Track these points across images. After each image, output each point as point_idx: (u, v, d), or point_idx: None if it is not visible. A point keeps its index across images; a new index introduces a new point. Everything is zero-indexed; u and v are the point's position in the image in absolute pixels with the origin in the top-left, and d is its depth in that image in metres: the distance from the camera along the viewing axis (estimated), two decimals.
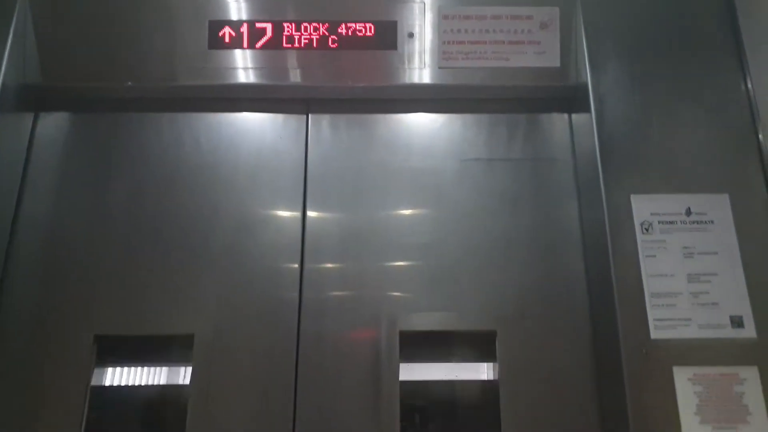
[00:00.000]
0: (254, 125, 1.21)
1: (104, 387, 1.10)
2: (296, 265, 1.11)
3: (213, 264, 1.11)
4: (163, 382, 1.19)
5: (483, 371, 1.13)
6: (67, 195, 1.16)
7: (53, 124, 1.20)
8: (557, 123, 1.22)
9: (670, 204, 1.09)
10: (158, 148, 1.18)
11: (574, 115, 1.21)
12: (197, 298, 1.09)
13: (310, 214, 1.15)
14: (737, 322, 1.03)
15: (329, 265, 1.12)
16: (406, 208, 1.16)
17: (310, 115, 1.21)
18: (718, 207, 1.09)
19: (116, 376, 1.16)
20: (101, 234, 1.13)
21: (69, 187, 1.16)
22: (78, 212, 1.15)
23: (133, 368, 1.18)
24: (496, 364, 1.07)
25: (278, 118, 1.21)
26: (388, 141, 1.20)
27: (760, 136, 1.11)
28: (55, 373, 1.05)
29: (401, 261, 1.13)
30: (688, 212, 1.09)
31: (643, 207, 1.09)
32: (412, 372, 1.08)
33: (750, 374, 0.99)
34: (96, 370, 1.07)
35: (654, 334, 1.01)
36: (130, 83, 1.16)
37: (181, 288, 1.10)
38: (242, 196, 1.15)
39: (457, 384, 1.12)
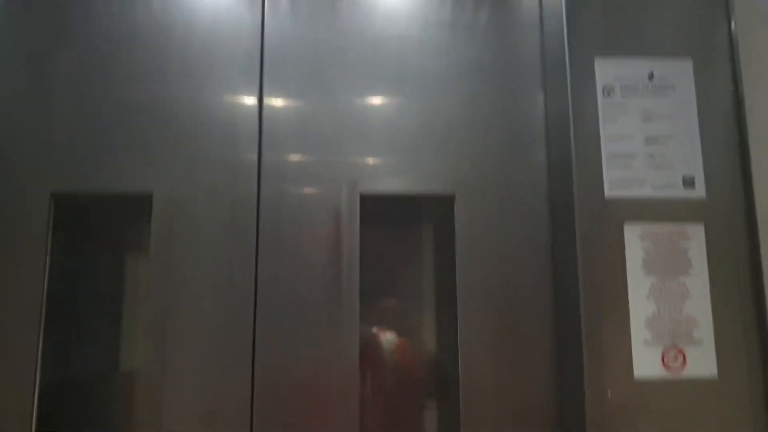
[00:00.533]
0: None
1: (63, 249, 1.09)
2: (255, 117, 1.09)
3: (168, 123, 1.08)
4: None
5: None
6: (13, 65, 1.10)
7: None
8: None
9: (634, 68, 1.08)
10: (108, 15, 1.12)
11: None
12: (156, 158, 1.07)
13: (268, 92, 1.11)
14: (689, 182, 1.06)
15: (290, 118, 1.10)
16: (368, 76, 1.13)
17: None
18: (680, 72, 1.09)
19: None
20: (54, 94, 1.09)
21: (14, 55, 1.10)
22: (26, 82, 1.09)
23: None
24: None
25: None
26: (349, 8, 1.14)
27: (729, 3, 1.10)
28: (11, 235, 1.04)
29: (363, 127, 1.11)
30: (651, 77, 1.09)
31: (606, 71, 1.08)
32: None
33: (696, 231, 1.03)
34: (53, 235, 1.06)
35: (608, 194, 1.04)
36: None
37: (139, 147, 1.08)
38: (196, 67, 1.11)
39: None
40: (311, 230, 1.07)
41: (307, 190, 1.09)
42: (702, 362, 0.96)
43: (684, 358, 0.96)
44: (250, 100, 1.11)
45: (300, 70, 1.12)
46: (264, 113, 1.10)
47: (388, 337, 1.12)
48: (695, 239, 1.03)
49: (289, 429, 1.01)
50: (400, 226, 1.19)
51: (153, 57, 1.11)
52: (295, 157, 1.10)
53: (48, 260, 1.04)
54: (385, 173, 1.11)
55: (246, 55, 1.12)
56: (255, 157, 1.09)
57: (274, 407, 1.02)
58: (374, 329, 1.11)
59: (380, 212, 1.12)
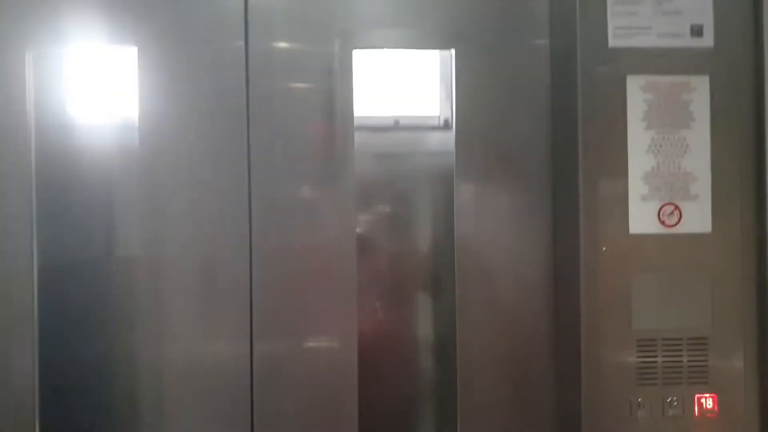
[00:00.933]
0: None
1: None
2: None
3: None
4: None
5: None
6: None
7: None
8: None
9: None
10: None
11: None
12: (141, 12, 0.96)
13: None
14: (697, 30, 0.97)
15: None
16: None
17: None
18: None
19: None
20: None
21: None
22: None
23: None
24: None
25: None
26: None
27: None
28: None
29: None
30: None
31: None
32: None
33: (700, 83, 0.96)
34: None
35: (612, 42, 0.95)
36: None
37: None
38: None
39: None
40: (303, 87, 0.99)
41: (299, 43, 0.99)
42: (697, 217, 0.93)
43: (680, 213, 0.93)
44: None
45: None
46: None
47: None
48: (699, 91, 0.96)
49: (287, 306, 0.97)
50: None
51: None
52: (284, 6, 0.98)
53: (33, 132, 0.96)
54: (379, 25, 1.01)
55: None
56: (242, 5, 0.97)
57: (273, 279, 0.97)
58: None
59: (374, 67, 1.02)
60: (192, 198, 0.98)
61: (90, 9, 0.98)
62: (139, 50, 0.97)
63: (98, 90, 1.01)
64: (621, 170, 0.92)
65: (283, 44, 1.00)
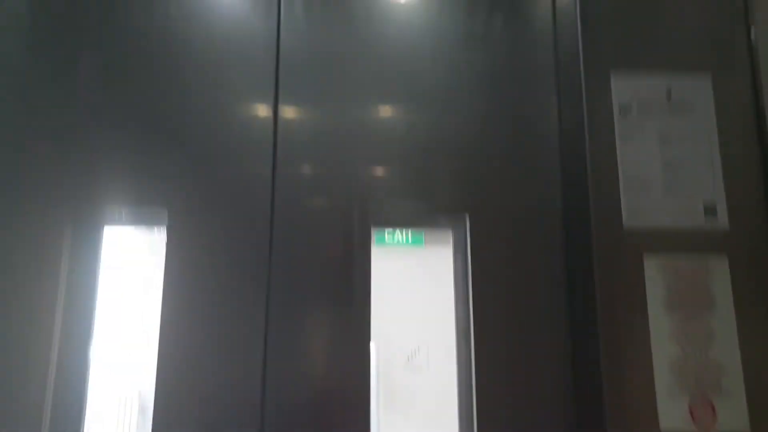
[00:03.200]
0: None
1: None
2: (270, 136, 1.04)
3: (185, 144, 1.04)
4: None
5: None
6: (35, 72, 1.05)
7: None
8: (540, 1, 1.11)
9: (651, 86, 0.99)
10: (129, 21, 1.07)
11: None
12: (169, 176, 1.03)
13: (283, 104, 1.06)
14: (710, 210, 0.97)
15: (304, 130, 1.05)
16: (382, 88, 1.07)
17: None
18: (699, 90, 1.00)
19: None
20: (71, 111, 1.04)
21: (36, 62, 1.05)
22: (46, 89, 1.04)
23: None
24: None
25: None
26: (364, 19, 1.09)
27: (749, 14, 1.03)
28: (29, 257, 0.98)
29: (376, 141, 1.05)
30: (669, 96, 1.00)
31: (622, 87, 0.99)
32: None
33: (719, 263, 0.94)
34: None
35: (627, 222, 0.94)
36: None
37: (152, 165, 1.03)
38: (214, 74, 1.06)
39: None
40: (323, 246, 1.02)
41: (320, 203, 1.03)
42: (733, 416, 0.86)
43: (714, 410, 0.86)
44: (265, 113, 1.06)
45: (314, 82, 1.07)
46: (279, 125, 1.05)
47: None
48: (718, 273, 0.93)
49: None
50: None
51: (169, 72, 1.06)
52: (308, 170, 1.05)
53: (65, 287, 0.99)
54: (397, 191, 1.04)
55: (261, 68, 1.07)
56: (270, 170, 1.04)
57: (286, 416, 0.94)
58: None
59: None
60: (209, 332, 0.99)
61: (124, 176, 1.05)
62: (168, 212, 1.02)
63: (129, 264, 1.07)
64: (645, 360, 0.87)
65: (306, 220, 1.03)
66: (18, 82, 1.06)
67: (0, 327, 0.97)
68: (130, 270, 1.07)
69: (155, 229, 1.06)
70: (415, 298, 2.85)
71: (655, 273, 0.92)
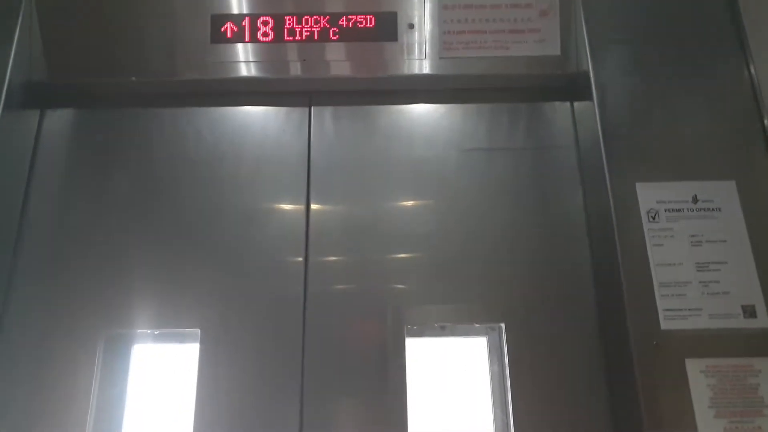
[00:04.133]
0: (257, 119, 1.21)
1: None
2: (301, 259, 1.10)
3: (217, 260, 1.11)
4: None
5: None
6: (72, 193, 1.16)
7: (58, 120, 1.21)
8: (559, 111, 1.21)
9: (676, 191, 1.07)
10: (162, 143, 1.19)
11: (576, 103, 1.20)
12: (202, 294, 1.09)
13: (314, 207, 1.14)
14: (749, 311, 1.00)
15: (333, 258, 1.11)
16: (409, 199, 1.16)
17: (312, 108, 1.21)
18: (724, 194, 1.07)
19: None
20: (106, 231, 1.13)
21: (73, 184, 1.17)
22: (83, 210, 1.15)
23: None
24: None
25: (281, 111, 1.21)
26: (390, 132, 1.20)
27: (765, 121, 1.09)
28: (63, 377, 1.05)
29: (405, 253, 1.12)
30: (695, 200, 1.07)
31: (648, 195, 1.07)
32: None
33: (764, 365, 0.95)
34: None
35: (664, 325, 0.98)
36: (134, 78, 1.17)
37: (185, 284, 1.09)
38: (246, 190, 1.15)
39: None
40: (357, 361, 1.05)
41: (352, 319, 1.08)
42: None
43: None
44: (298, 226, 1.13)
45: (344, 191, 1.15)
46: (310, 248, 1.12)
47: None
48: (764, 374, 0.95)
49: None
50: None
51: (204, 188, 1.16)
52: (340, 287, 1.10)
53: (95, 401, 1.04)
54: (430, 298, 1.09)
55: (294, 178, 1.16)
56: (302, 289, 1.09)
57: None
58: None
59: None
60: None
61: (157, 297, 1.09)
62: (202, 331, 1.07)
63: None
64: None
65: (338, 332, 1.08)
66: (54, 205, 1.14)
67: None
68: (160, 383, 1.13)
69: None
70: (447, 388, 2.77)
71: (698, 377, 0.95)
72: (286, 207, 1.15)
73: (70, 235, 1.13)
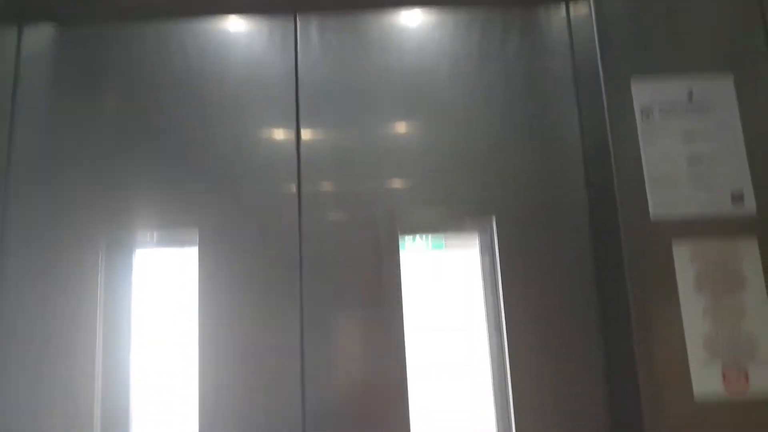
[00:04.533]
0: (242, 31, 1.20)
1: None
2: (293, 151, 1.14)
3: (210, 159, 1.14)
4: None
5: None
6: (60, 109, 1.17)
7: (38, 38, 1.20)
8: (554, 15, 1.20)
9: (672, 89, 1.08)
10: (146, 60, 1.19)
11: (571, 4, 1.19)
12: (199, 195, 1.12)
13: (304, 128, 1.16)
14: (738, 197, 1.04)
15: (326, 150, 1.14)
16: (399, 111, 1.17)
17: (298, 17, 1.19)
18: (721, 89, 1.08)
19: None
20: (99, 140, 1.15)
21: (60, 100, 1.17)
22: (72, 125, 1.16)
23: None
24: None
25: (265, 23, 1.19)
26: (380, 42, 1.19)
27: (765, 13, 1.09)
28: (69, 285, 1.10)
29: (398, 157, 1.15)
30: (690, 97, 1.09)
31: (643, 92, 1.09)
32: None
33: (749, 246, 1.01)
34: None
35: (654, 213, 1.03)
36: None
37: (180, 188, 1.13)
38: (234, 105, 1.16)
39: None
40: (352, 260, 1.10)
41: (347, 214, 1.12)
42: (766, 380, 0.94)
43: (746, 377, 0.94)
44: (288, 137, 1.15)
45: (334, 106, 1.16)
46: (301, 146, 1.15)
47: None
48: (748, 255, 1.01)
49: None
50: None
51: (191, 104, 1.17)
52: (333, 185, 1.14)
53: (103, 307, 1.09)
54: (421, 199, 1.14)
55: (281, 97, 1.17)
56: (295, 186, 1.13)
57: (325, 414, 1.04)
58: None
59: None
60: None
61: (154, 200, 1.13)
62: (199, 231, 1.10)
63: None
64: (678, 336, 0.96)
65: (334, 231, 1.12)
66: (43, 122, 1.15)
67: (45, 344, 1.06)
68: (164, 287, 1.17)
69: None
70: (438, 300, 2.89)
71: (684, 258, 1.01)
72: (276, 130, 1.16)
73: (61, 151, 1.15)
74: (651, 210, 1.03)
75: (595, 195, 1.11)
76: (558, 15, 1.21)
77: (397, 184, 1.15)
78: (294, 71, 1.18)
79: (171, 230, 1.12)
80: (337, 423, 1.04)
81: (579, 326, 1.07)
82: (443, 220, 1.15)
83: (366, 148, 1.15)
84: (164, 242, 1.16)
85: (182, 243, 1.14)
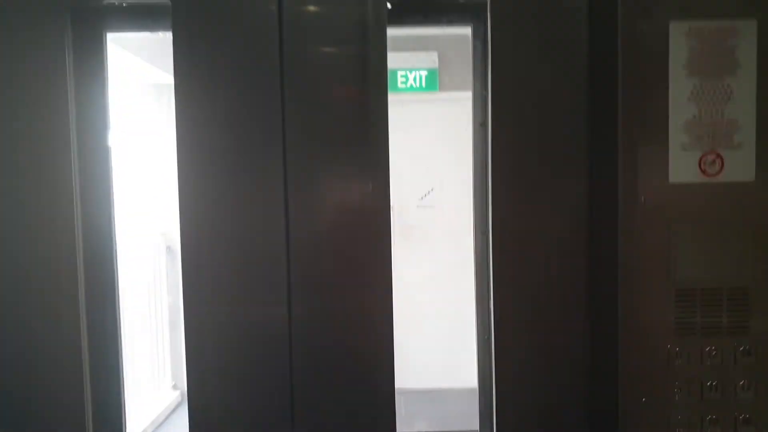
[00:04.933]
0: None
1: None
2: None
3: None
4: None
5: None
6: None
7: None
8: None
9: None
10: None
11: None
12: None
13: None
14: None
15: None
16: None
17: None
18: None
19: None
20: None
21: None
22: None
23: None
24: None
25: None
26: None
27: None
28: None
29: None
30: None
31: None
32: None
33: (747, 27, 0.92)
34: None
35: None
36: None
37: None
38: None
39: None
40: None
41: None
42: (740, 166, 0.90)
43: (722, 161, 0.90)
44: None
45: None
46: None
47: None
48: (745, 36, 0.92)
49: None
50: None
51: None
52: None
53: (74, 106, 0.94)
54: None
55: None
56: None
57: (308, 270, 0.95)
58: None
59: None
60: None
61: None
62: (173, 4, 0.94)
63: None
64: (661, 119, 0.90)
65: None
66: None
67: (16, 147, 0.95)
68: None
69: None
70: (427, 142, 2.89)
71: (679, 37, 0.91)
72: None
73: None
74: None
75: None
76: None
77: None
78: None
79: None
80: (322, 249, 0.95)
81: (567, 102, 0.96)
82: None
83: None
84: (135, 16, 0.99)
85: (156, 24, 0.99)
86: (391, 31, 0.96)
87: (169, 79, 0.98)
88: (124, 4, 0.98)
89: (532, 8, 0.96)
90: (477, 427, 1.04)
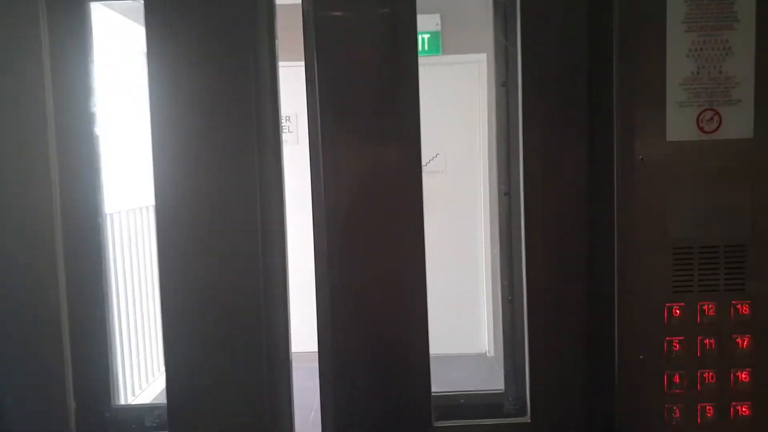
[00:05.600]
0: None
1: None
2: None
3: None
4: None
5: None
6: None
7: None
8: None
9: None
10: None
11: None
12: None
13: None
14: None
15: None
16: None
17: None
18: None
19: None
20: None
21: None
22: None
23: None
24: None
25: None
26: None
27: None
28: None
29: None
30: None
31: None
32: None
33: None
34: None
35: None
36: None
37: None
38: None
39: None
40: None
41: None
42: (738, 123, 0.90)
43: (720, 118, 0.90)
44: None
45: None
46: None
47: None
48: None
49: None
50: None
51: None
52: None
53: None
54: None
55: None
56: None
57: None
58: None
59: None
60: None
61: None
62: None
63: None
64: (659, 76, 0.89)
65: None
66: None
67: None
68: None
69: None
70: (430, 107, 2.84)
71: None
72: None
73: None
74: None
75: None
76: None
77: None
78: None
79: None
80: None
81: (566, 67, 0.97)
82: None
83: None
84: None
85: None
86: None
87: None
88: None
89: None
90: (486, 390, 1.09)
